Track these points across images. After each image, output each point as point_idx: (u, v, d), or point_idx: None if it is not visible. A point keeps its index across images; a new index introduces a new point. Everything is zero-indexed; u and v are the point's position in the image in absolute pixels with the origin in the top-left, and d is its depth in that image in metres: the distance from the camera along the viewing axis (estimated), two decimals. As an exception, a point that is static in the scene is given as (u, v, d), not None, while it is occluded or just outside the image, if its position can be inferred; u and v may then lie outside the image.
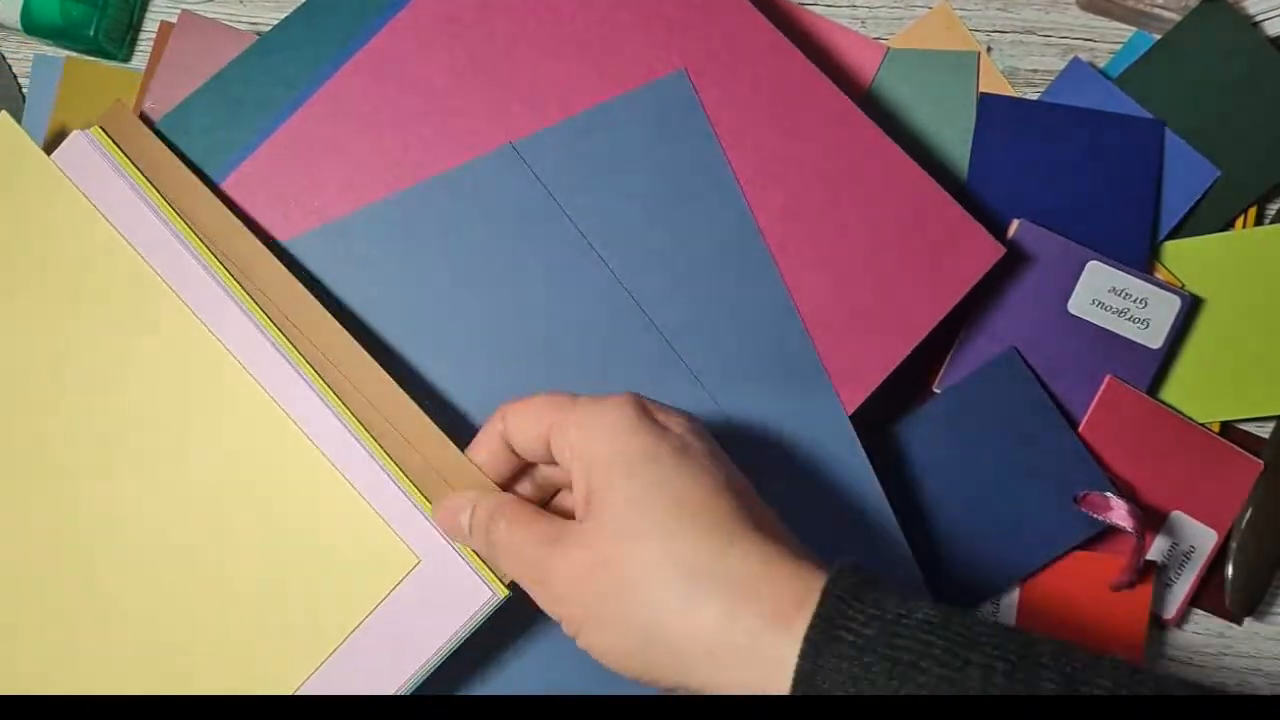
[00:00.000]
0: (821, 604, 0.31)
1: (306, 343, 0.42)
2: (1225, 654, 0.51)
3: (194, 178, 0.44)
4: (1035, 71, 0.52)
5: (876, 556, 0.44)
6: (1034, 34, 0.52)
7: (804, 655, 0.30)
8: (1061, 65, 0.51)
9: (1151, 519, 0.48)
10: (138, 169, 0.44)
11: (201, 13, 0.50)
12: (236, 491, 0.41)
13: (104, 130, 0.45)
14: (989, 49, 0.52)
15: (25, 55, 0.52)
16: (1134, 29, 0.52)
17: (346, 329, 0.42)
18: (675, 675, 0.32)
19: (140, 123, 0.45)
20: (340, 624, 0.40)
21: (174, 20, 0.50)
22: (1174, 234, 0.50)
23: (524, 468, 0.39)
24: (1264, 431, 0.51)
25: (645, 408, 0.35)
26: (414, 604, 0.40)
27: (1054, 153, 0.49)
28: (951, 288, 0.44)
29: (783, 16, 0.50)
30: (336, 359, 0.42)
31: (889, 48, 0.51)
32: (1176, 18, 0.50)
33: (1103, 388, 0.48)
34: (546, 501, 0.40)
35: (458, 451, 0.40)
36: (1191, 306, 0.49)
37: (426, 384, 0.44)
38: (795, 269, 0.44)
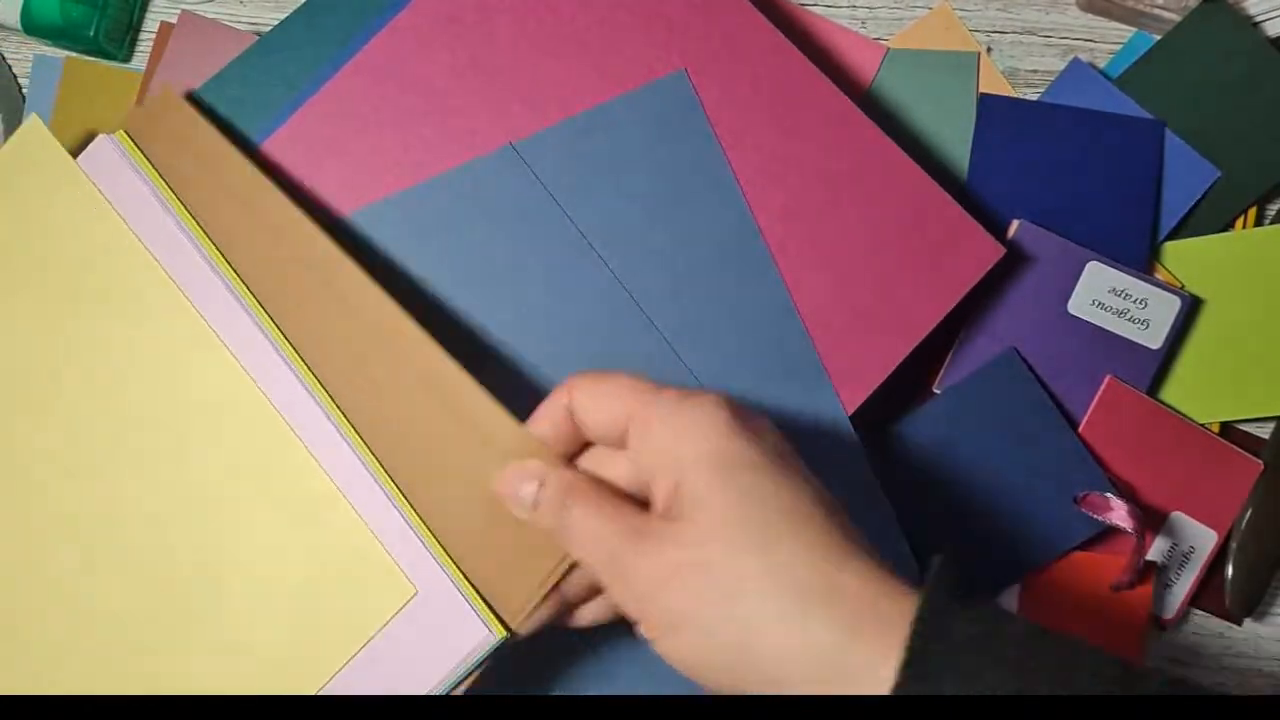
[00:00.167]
0: (930, 624, 0.30)
1: (347, 331, 0.41)
2: (1225, 654, 0.51)
3: (244, 159, 0.43)
4: (1035, 72, 0.52)
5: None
6: (1034, 34, 0.52)
7: (912, 678, 0.29)
8: (1061, 66, 0.51)
9: (1151, 519, 0.48)
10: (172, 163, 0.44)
11: (201, 13, 0.50)
12: (236, 505, 0.41)
13: (140, 117, 0.45)
14: (989, 49, 0.52)
15: (25, 55, 0.52)
16: (1134, 29, 0.52)
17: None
18: (768, 688, 0.31)
19: (187, 104, 0.44)
20: (334, 653, 0.39)
21: (174, 20, 0.50)
22: (1174, 234, 0.50)
23: (580, 447, 0.37)
24: (1264, 432, 0.51)
25: (736, 410, 0.34)
26: (409, 639, 0.39)
27: (1054, 153, 0.49)
28: (952, 288, 0.44)
29: (783, 17, 0.50)
30: (387, 334, 0.40)
31: (889, 48, 0.51)
32: (1176, 18, 0.50)
33: (1103, 388, 0.48)
34: None
35: (516, 423, 0.37)
36: (1191, 307, 0.49)
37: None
38: (795, 269, 0.44)
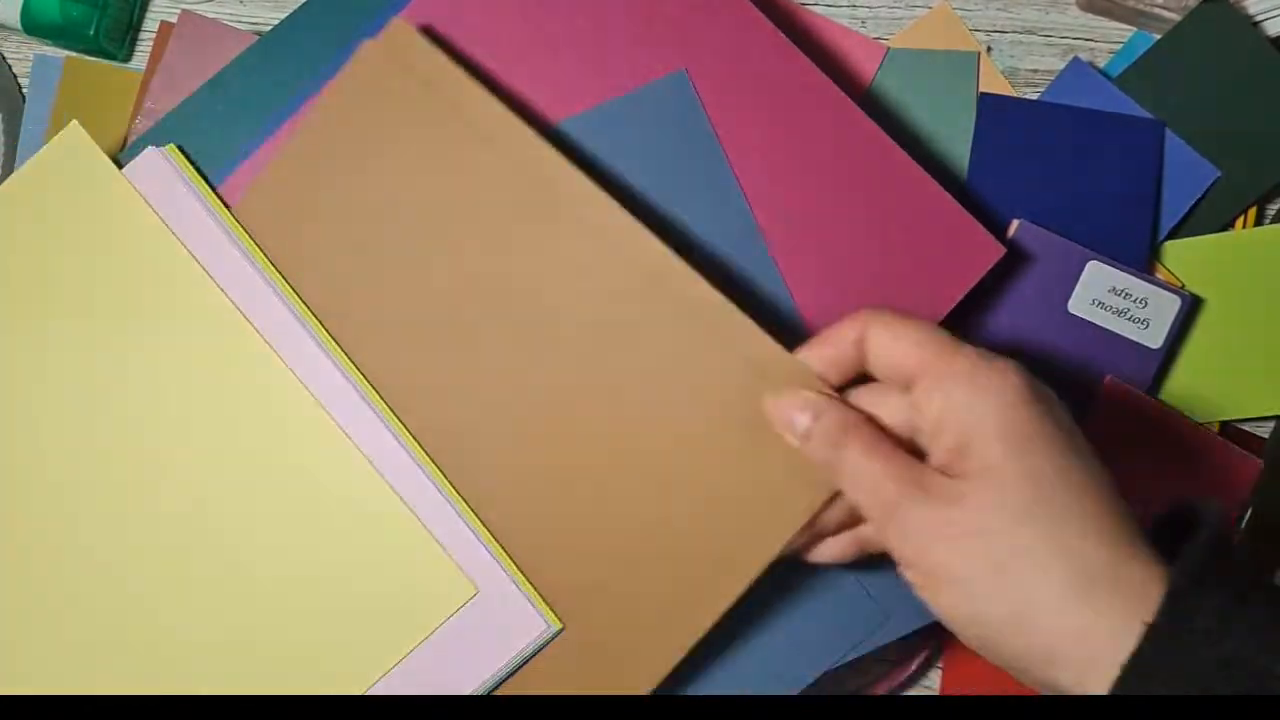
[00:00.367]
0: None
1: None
2: (1225, 654, 0.50)
3: (492, 98, 0.41)
4: (1035, 71, 0.52)
5: (883, 557, 0.44)
6: (1034, 34, 0.52)
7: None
8: (1061, 65, 0.51)
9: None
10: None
11: (201, 13, 0.50)
12: (298, 512, 0.42)
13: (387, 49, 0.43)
14: (989, 49, 0.52)
15: (25, 55, 0.52)
16: (1134, 29, 0.52)
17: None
18: (1035, 667, 0.32)
19: (427, 41, 0.42)
20: (393, 648, 0.41)
21: (174, 20, 0.50)
22: (1174, 234, 0.50)
23: (856, 377, 0.37)
24: (1264, 431, 0.51)
25: (1031, 380, 0.34)
26: (468, 632, 0.41)
27: (1054, 153, 0.49)
28: (952, 287, 0.44)
29: (783, 16, 0.50)
30: (643, 265, 0.40)
31: (889, 48, 0.51)
32: (1176, 18, 0.50)
33: (1103, 388, 0.48)
34: None
35: (787, 352, 0.38)
36: (1192, 306, 0.49)
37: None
38: (796, 269, 0.44)
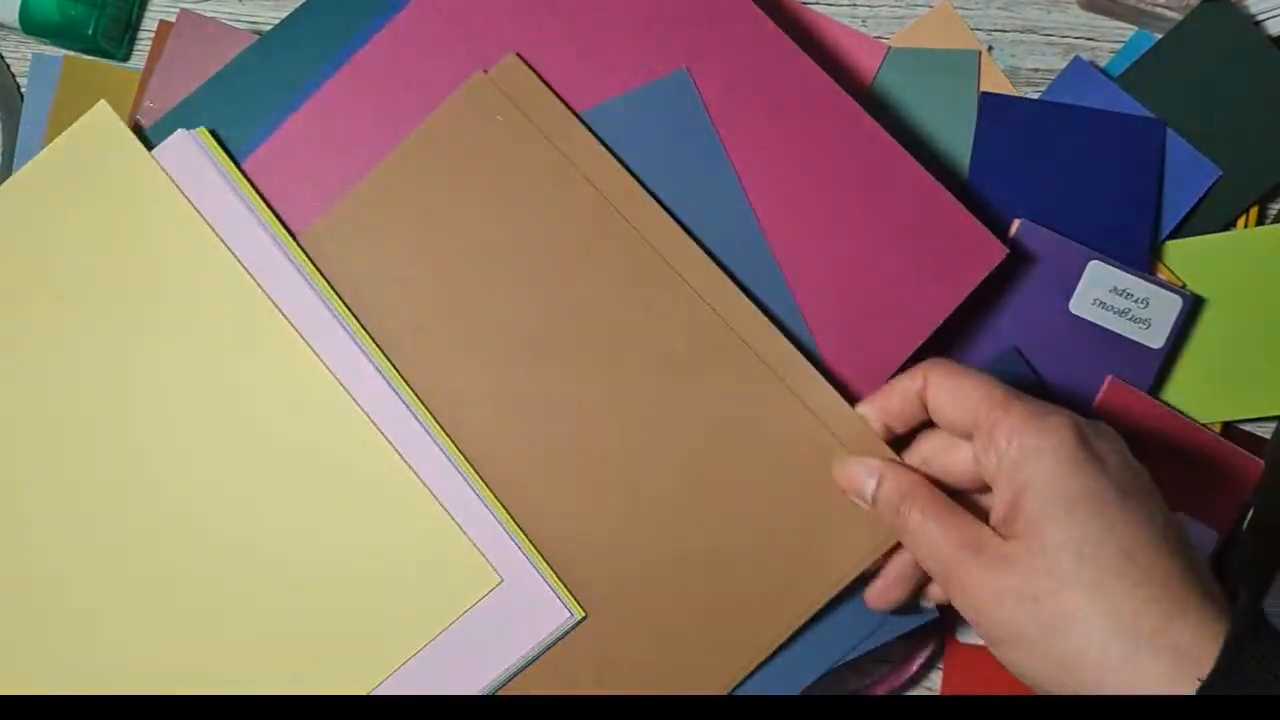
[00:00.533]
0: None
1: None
2: (1226, 654, 0.50)
3: (592, 138, 0.43)
4: (1036, 71, 0.52)
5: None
6: (1035, 33, 0.52)
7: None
8: (1063, 64, 0.51)
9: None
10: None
11: (200, 12, 0.50)
12: (324, 498, 0.42)
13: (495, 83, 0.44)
14: (990, 48, 0.52)
15: (24, 54, 0.52)
16: (1135, 28, 0.52)
17: None
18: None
19: (535, 77, 0.44)
20: (416, 634, 0.41)
21: (173, 20, 0.50)
22: (1175, 233, 0.50)
23: (924, 423, 0.40)
24: (1265, 432, 0.51)
25: (1084, 434, 0.35)
26: (492, 620, 0.41)
27: (1055, 152, 0.49)
28: (955, 288, 0.44)
29: (783, 16, 0.49)
30: (720, 312, 0.42)
31: (890, 47, 0.51)
32: (1178, 17, 0.50)
33: (1104, 388, 0.48)
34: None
35: (852, 410, 0.41)
36: (1193, 306, 0.49)
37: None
38: (798, 269, 0.44)
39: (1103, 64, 0.52)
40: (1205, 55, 0.50)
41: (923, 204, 0.44)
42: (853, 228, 0.44)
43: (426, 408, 0.42)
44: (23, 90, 0.52)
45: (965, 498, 0.39)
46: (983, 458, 0.36)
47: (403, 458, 0.42)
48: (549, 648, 0.42)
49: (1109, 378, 0.48)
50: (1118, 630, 0.32)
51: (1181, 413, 0.49)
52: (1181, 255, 0.50)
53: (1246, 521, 0.49)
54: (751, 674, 0.42)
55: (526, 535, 0.42)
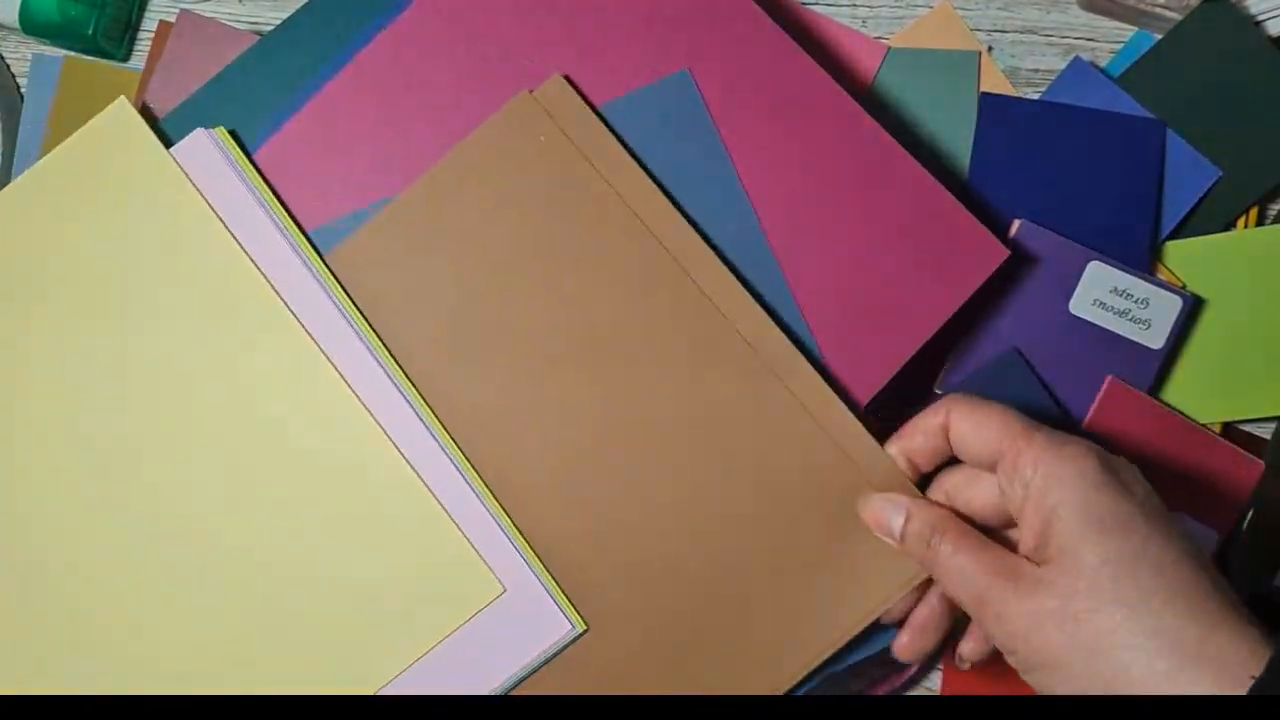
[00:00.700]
0: None
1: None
2: (1226, 654, 0.50)
3: (629, 158, 0.43)
4: (1036, 71, 0.52)
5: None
6: (1035, 33, 0.52)
7: None
8: (1062, 65, 0.51)
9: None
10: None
11: (200, 12, 0.50)
12: (329, 503, 0.42)
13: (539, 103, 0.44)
14: (990, 48, 0.52)
15: (24, 55, 0.52)
16: (1135, 28, 0.52)
17: None
18: None
19: (580, 98, 0.44)
20: (417, 641, 0.41)
21: (173, 20, 0.50)
22: (1175, 234, 0.50)
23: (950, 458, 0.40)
24: (1265, 432, 0.51)
25: (1105, 460, 0.36)
26: (494, 630, 0.41)
27: (1055, 152, 0.49)
28: (956, 290, 0.44)
29: (783, 16, 0.49)
30: (753, 343, 0.42)
31: (890, 47, 0.51)
32: (1178, 17, 0.50)
33: (1104, 388, 0.48)
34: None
35: (880, 448, 0.41)
36: (1193, 307, 0.49)
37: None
38: (799, 270, 0.44)
39: (1103, 64, 0.52)
40: (1205, 55, 0.50)
41: (923, 204, 0.44)
42: (853, 228, 0.44)
43: (437, 417, 0.42)
44: (23, 90, 0.52)
45: (990, 533, 0.39)
46: (1008, 488, 0.36)
47: (409, 464, 0.42)
48: (549, 660, 0.41)
49: (1109, 378, 0.48)
50: (1162, 646, 0.32)
51: (1181, 413, 0.49)
52: (1181, 256, 0.50)
53: (1246, 521, 0.49)
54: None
55: (532, 546, 0.42)
